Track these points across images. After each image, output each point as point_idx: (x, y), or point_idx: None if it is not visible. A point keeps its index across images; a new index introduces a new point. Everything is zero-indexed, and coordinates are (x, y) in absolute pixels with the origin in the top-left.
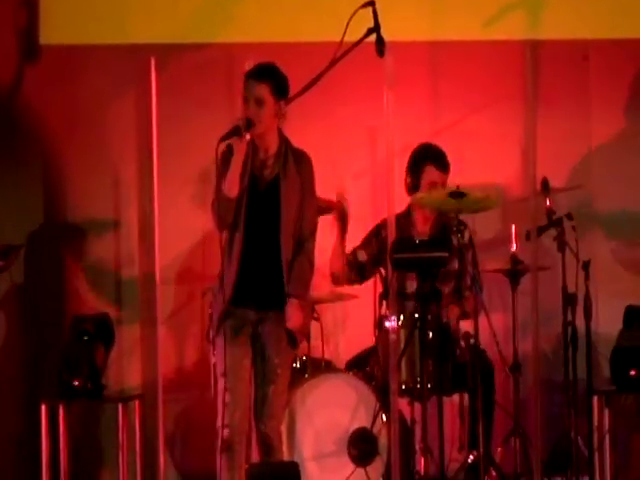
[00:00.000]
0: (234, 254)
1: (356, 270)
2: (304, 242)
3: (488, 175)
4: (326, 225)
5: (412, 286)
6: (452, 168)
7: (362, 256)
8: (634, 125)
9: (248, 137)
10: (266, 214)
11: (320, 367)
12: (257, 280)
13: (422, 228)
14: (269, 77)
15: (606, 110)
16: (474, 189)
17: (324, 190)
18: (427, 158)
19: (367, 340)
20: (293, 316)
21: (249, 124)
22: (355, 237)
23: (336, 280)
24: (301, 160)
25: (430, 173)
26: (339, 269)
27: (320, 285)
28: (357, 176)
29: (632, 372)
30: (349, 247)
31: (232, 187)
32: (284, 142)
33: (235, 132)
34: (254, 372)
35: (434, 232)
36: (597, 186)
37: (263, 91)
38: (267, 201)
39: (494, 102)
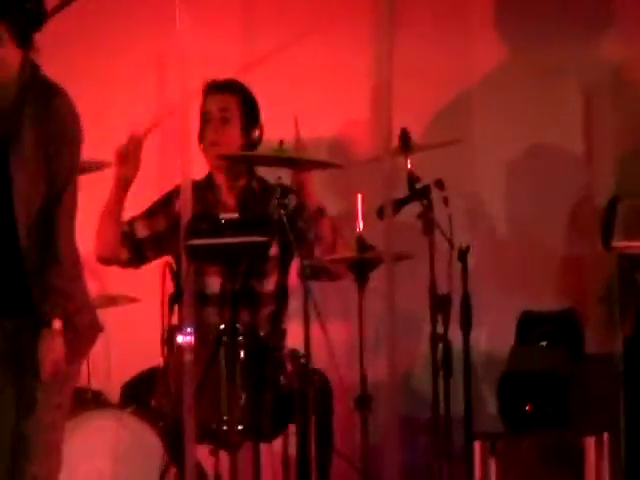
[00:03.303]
0: None
1: (130, 247)
2: (52, 229)
3: (326, 125)
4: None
5: (215, 284)
6: (275, 117)
7: (141, 231)
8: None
9: None
10: None
11: (85, 401)
12: (4, 282)
13: (227, 200)
14: None
15: (491, 33)
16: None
17: (93, 148)
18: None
19: (151, 361)
20: (47, 357)
21: None
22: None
23: (102, 258)
24: (49, 101)
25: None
26: (106, 241)
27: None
28: (139, 124)
29: (527, 407)
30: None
31: None
32: (29, 81)
33: None
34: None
35: (243, 204)
36: (479, 139)
37: None
38: None
39: (332, 24)
